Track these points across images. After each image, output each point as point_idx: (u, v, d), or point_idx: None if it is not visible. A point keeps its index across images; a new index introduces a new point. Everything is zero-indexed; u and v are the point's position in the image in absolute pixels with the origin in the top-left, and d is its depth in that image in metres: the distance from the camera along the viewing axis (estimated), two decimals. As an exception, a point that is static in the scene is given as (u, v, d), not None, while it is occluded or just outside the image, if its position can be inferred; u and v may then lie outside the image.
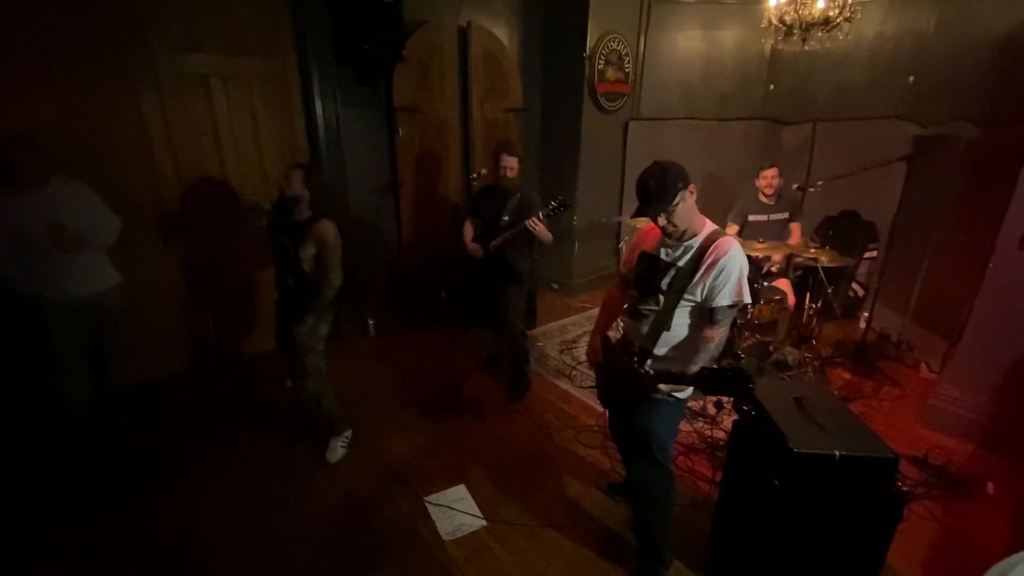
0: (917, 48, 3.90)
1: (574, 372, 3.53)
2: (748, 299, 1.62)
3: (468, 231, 3.17)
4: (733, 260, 1.58)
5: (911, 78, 3.96)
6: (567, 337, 4.07)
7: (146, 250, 3.07)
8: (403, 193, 3.93)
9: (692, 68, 4.78)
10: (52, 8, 2.58)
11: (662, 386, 1.62)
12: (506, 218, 2.97)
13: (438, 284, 4.22)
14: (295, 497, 2.41)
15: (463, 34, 3.89)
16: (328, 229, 2.39)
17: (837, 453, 1.57)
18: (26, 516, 2.30)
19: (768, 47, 4.66)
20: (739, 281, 1.59)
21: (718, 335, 1.63)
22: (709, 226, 1.69)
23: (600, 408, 3.03)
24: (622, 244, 3.97)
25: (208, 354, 3.46)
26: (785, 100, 4.68)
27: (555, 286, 5.04)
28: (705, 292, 1.61)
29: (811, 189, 3.37)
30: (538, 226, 2.75)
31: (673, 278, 1.66)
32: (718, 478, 2.24)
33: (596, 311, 4.73)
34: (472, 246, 3.05)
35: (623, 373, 1.76)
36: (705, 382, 1.48)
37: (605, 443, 2.77)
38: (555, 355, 3.77)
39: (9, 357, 2.65)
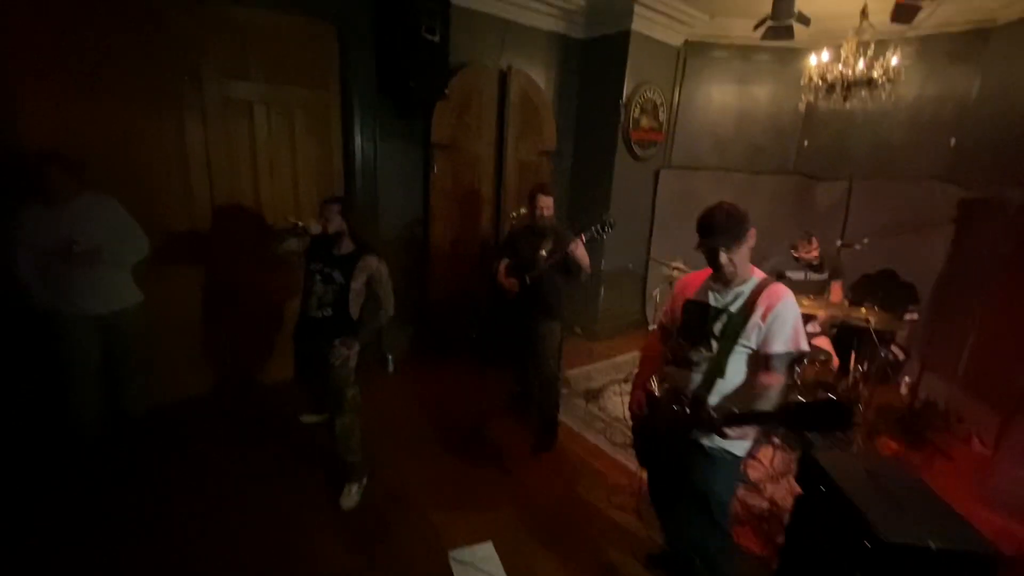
0: (959, 111, 3.88)
1: (601, 424, 3.35)
2: (806, 347, 1.56)
3: (502, 269, 3.07)
4: (788, 306, 1.55)
5: (952, 140, 3.92)
6: (592, 386, 3.90)
7: (172, 271, 3.00)
8: (433, 228, 3.88)
9: (725, 120, 4.79)
10: (112, 26, 2.61)
11: (729, 431, 1.49)
12: (543, 253, 2.88)
13: (463, 321, 4.15)
14: (306, 542, 2.23)
15: (503, 77, 3.92)
16: (380, 263, 2.42)
17: (933, 545, 1.39)
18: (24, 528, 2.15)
19: (803, 103, 4.66)
20: (795, 328, 1.54)
21: (777, 382, 1.55)
22: (758, 272, 1.66)
23: (634, 467, 2.87)
24: (655, 292, 3.84)
25: (225, 381, 3.34)
26: (820, 156, 4.65)
27: (578, 330, 4.90)
28: (760, 338, 1.56)
29: (856, 246, 3.26)
30: (579, 248, 2.68)
31: (726, 324, 1.61)
32: (764, 552, 2.04)
33: (621, 359, 4.65)
34: (508, 281, 2.95)
35: (675, 425, 1.67)
36: (792, 417, 1.35)
37: (640, 507, 2.57)
38: (581, 404, 3.59)
39: (23, 370, 2.56)
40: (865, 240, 3.27)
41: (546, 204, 2.80)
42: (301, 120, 3.30)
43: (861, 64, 3.50)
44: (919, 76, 4.01)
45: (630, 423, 3.01)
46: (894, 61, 3.40)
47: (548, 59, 4.32)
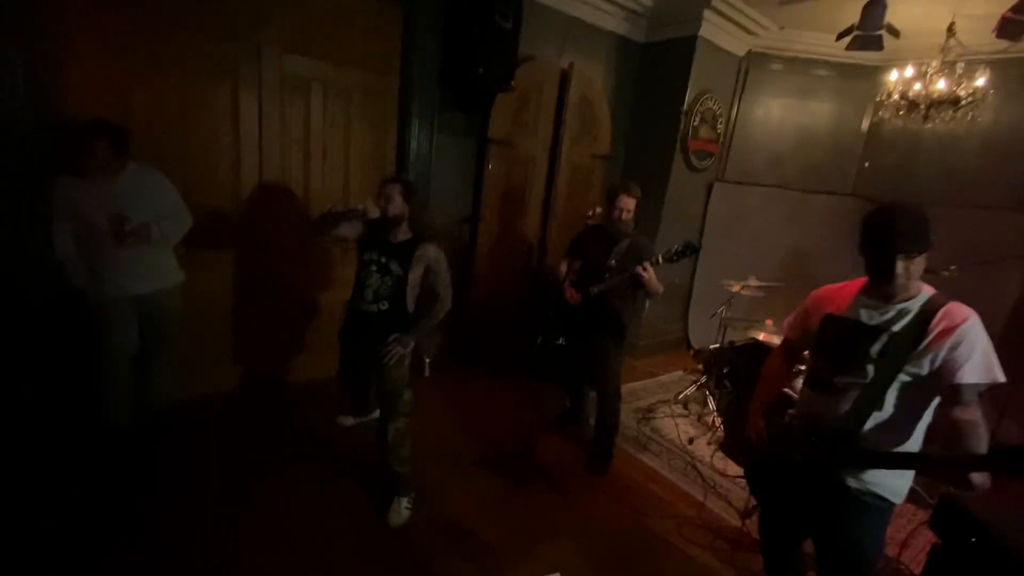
0: (1037, 140, 3.69)
1: (658, 447, 3.11)
2: (1001, 376, 1.27)
3: (563, 271, 2.87)
4: (975, 329, 1.28)
5: (1029, 171, 3.73)
6: (640, 404, 3.67)
7: (208, 253, 2.80)
8: (482, 228, 3.68)
9: (784, 136, 4.61)
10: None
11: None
12: (612, 263, 2.67)
13: (504, 327, 3.94)
14: (347, 566, 1.99)
15: (564, 76, 3.75)
16: (439, 252, 2.22)
17: None
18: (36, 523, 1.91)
19: (866, 122, 4.50)
20: (986, 354, 1.26)
21: (977, 417, 1.25)
22: (927, 288, 1.38)
23: (700, 496, 2.64)
24: (722, 310, 3.61)
25: (252, 377, 3.12)
26: (882, 179, 4.45)
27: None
28: (937, 365, 1.29)
29: (944, 273, 3.04)
30: (648, 271, 2.42)
31: (888, 346, 1.35)
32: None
33: (666, 378, 4.41)
34: (570, 291, 2.74)
35: (815, 462, 1.42)
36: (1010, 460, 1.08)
37: (714, 542, 2.34)
38: (632, 424, 3.35)
39: (54, 353, 2.36)
40: (953, 267, 3.05)
41: (627, 206, 2.58)
42: (358, 105, 3.11)
43: (941, 83, 3.33)
44: (995, 101, 3.82)
45: (715, 456, 2.78)
46: (980, 82, 3.23)
47: (607, 60, 4.15)
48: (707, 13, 3.82)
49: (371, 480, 2.42)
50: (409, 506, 2.28)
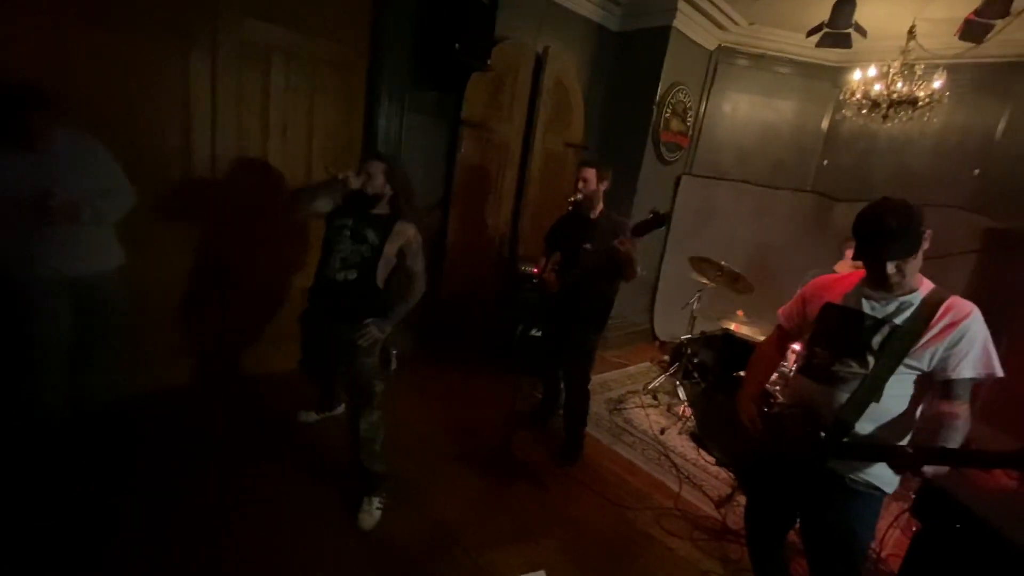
0: (984, 144, 3.90)
1: (631, 438, 3.09)
2: (1000, 371, 1.28)
3: (542, 262, 2.80)
4: (977, 324, 1.29)
5: (976, 171, 3.94)
6: (611, 395, 3.65)
7: (156, 234, 2.54)
8: (453, 214, 3.54)
9: (749, 132, 4.70)
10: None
11: (929, 469, 1.23)
12: (588, 246, 2.59)
13: (476, 317, 3.82)
14: (319, 570, 1.84)
15: (539, 60, 3.65)
16: (417, 234, 2.08)
17: None
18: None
19: (826, 121, 4.64)
20: (985, 349, 1.29)
21: (963, 412, 1.29)
22: (927, 281, 1.39)
23: (675, 487, 2.63)
24: (694, 301, 3.62)
25: (207, 369, 2.87)
26: (839, 177, 4.61)
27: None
28: (937, 360, 1.30)
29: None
30: (626, 244, 2.30)
31: (889, 338, 1.34)
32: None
33: (635, 369, 4.42)
34: (549, 276, 2.66)
35: (808, 452, 1.41)
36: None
37: (693, 533, 2.32)
38: (604, 415, 3.32)
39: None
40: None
41: (586, 176, 2.52)
42: (323, 78, 2.90)
43: (900, 84, 3.46)
44: (947, 105, 4.02)
45: (665, 440, 2.77)
46: (937, 84, 3.37)
47: (582, 47, 4.08)
48: (681, 4, 3.82)
49: (338, 480, 2.26)
50: (380, 506, 2.13)
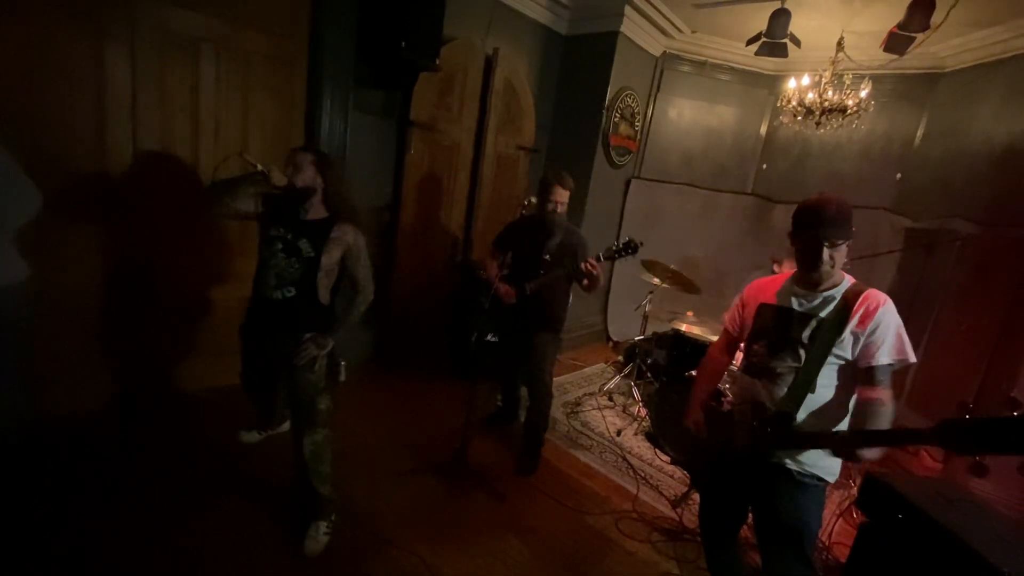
0: (904, 149, 4.19)
1: (588, 441, 3.08)
2: (912, 357, 1.38)
3: (493, 268, 2.74)
4: (889, 313, 1.39)
5: (899, 175, 4.22)
6: (568, 398, 3.64)
7: (69, 241, 2.29)
8: (403, 217, 3.42)
9: (694, 136, 4.84)
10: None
11: (864, 452, 1.26)
12: (547, 257, 2.59)
13: (429, 324, 3.71)
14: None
15: (489, 61, 3.60)
16: (358, 235, 1.95)
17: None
18: None
19: (764, 127, 4.85)
20: (899, 336, 1.38)
21: (887, 397, 1.37)
22: (848, 277, 1.49)
23: (633, 489, 2.63)
24: (646, 302, 3.66)
25: (131, 388, 2.62)
26: (776, 180, 4.83)
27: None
28: (859, 348, 1.39)
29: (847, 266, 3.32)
30: (597, 268, 2.37)
31: (816, 331, 1.43)
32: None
33: (590, 371, 4.44)
34: (504, 288, 2.60)
35: (755, 445, 1.47)
36: (959, 435, 1.11)
37: (651, 535, 2.33)
38: (563, 419, 3.30)
39: None
40: (845, 262, 3.34)
41: (561, 198, 2.50)
42: (258, 72, 2.72)
43: (831, 93, 3.66)
44: (873, 112, 4.29)
45: (622, 442, 2.79)
46: (863, 93, 3.58)
47: (531, 50, 4.07)
48: (627, 10, 3.87)
49: (282, 503, 2.11)
50: (328, 531, 2.00)
